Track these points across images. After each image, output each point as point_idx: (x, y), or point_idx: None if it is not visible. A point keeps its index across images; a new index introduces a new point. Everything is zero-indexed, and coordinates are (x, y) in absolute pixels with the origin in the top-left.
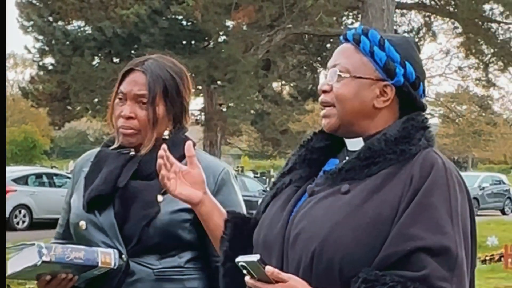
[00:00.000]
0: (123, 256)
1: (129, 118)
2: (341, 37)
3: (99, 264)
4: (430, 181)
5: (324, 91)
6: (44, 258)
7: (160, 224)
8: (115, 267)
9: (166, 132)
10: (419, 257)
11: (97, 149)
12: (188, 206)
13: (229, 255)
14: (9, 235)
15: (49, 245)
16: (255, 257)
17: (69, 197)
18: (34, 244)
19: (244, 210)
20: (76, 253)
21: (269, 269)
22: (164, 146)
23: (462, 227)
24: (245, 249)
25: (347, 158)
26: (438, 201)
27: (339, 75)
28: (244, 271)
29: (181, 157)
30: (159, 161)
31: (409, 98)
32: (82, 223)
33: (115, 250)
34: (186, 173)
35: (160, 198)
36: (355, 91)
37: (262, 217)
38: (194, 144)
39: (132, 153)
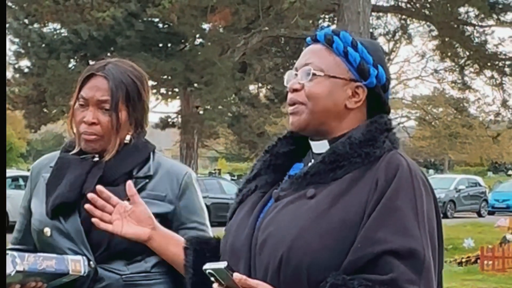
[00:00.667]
0: (91, 262)
1: (92, 124)
2: (309, 39)
3: (70, 272)
4: (395, 184)
5: (295, 90)
6: (18, 268)
7: None
8: (85, 274)
9: (128, 137)
10: (386, 260)
11: (55, 153)
12: (155, 211)
13: (196, 280)
14: None
15: (21, 254)
16: (222, 264)
17: (27, 202)
18: (7, 254)
19: (206, 213)
20: (48, 261)
21: (236, 276)
22: (100, 187)
23: (428, 229)
24: None
25: (312, 161)
26: (404, 204)
27: (314, 74)
28: (212, 279)
29: (144, 161)
30: (90, 207)
31: (379, 100)
32: (47, 230)
33: (84, 257)
34: (131, 212)
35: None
36: (329, 90)
37: (229, 223)
38: (154, 149)
39: (96, 159)
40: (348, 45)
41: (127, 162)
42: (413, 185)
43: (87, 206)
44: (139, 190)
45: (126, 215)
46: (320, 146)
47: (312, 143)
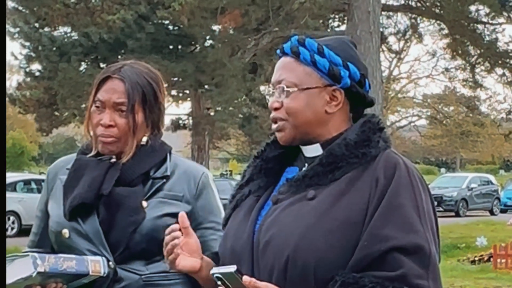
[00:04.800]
0: (110, 263)
1: (109, 126)
2: (278, 52)
3: (90, 273)
4: (395, 182)
5: (276, 108)
6: (39, 269)
7: (146, 230)
8: (104, 275)
9: (144, 138)
10: (394, 257)
11: (71, 156)
12: (172, 211)
13: None
14: None
15: (42, 255)
16: (232, 268)
17: (43, 205)
18: (27, 255)
19: (222, 213)
20: (68, 262)
21: (246, 279)
22: (175, 226)
23: (430, 225)
24: None
25: (306, 165)
26: (405, 201)
27: (288, 91)
28: (219, 283)
29: (161, 162)
30: (174, 242)
31: (358, 96)
32: (65, 231)
33: (103, 258)
34: (184, 243)
35: (144, 204)
36: (306, 103)
37: (225, 229)
38: (170, 150)
39: (113, 160)
40: (314, 53)
41: (144, 163)
42: (412, 183)
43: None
44: (157, 190)
45: (179, 247)
46: (312, 150)
47: (303, 147)
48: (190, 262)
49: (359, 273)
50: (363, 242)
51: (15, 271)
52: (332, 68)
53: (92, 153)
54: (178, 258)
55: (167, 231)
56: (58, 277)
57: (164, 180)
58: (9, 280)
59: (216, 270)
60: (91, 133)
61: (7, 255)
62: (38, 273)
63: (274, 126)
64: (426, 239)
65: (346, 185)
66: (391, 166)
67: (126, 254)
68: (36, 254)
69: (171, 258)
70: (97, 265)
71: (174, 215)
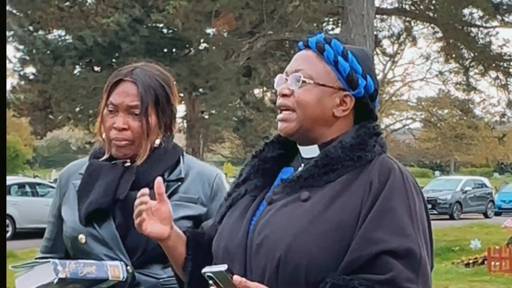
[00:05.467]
0: (128, 267)
1: (123, 129)
2: (301, 44)
3: (110, 278)
4: (389, 186)
5: (284, 95)
6: (60, 275)
7: None
8: (124, 280)
9: (157, 141)
10: (384, 260)
11: (82, 160)
12: (188, 213)
13: (194, 274)
14: None
15: (62, 261)
16: (222, 267)
17: (56, 210)
18: (48, 261)
19: None
20: (88, 268)
21: (237, 278)
22: (145, 190)
23: (422, 229)
24: (209, 264)
25: (302, 165)
26: (398, 205)
27: (304, 81)
28: (210, 282)
29: (174, 165)
30: (142, 207)
31: (366, 109)
32: (81, 237)
33: (122, 263)
34: (155, 210)
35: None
36: (318, 98)
37: (220, 227)
38: (183, 152)
39: (127, 164)
40: (338, 54)
41: (158, 166)
42: (406, 188)
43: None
44: (172, 193)
45: (150, 212)
46: (310, 151)
47: (301, 148)
48: (158, 228)
49: (350, 275)
50: (354, 245)
51: (36, 278)
52: (352, 73)
53: (105, 157)
54: (145, 222)
55: (138, 194)
56: (78, 282)
57: (179, 182)
58: (29, 287)
59: (208, 269)
60: (103, 136)
61: (25, 263)
62: (60, 279)
63: (280, 115)
64: (417, 243)
65: (341, 188)
66: (386, 171)
67: (143, 258)
68: (56, 260)
69: (138, 221)
70: (116, 270)
71: (191, 218)
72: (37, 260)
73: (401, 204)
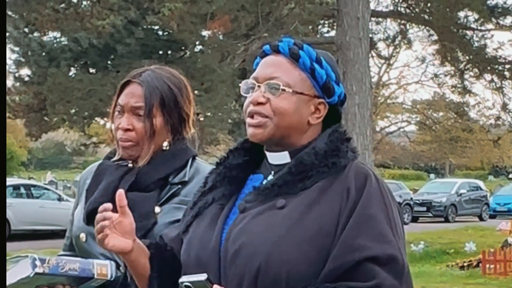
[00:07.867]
0: (120, 268)
1: (127, 130)
2: (267, 48)
3: (95, 276)
4: (366, 194)
5: (260, 103)
6: (37, 270)
7: (157, 236)
8: (112, 279)
9: (165, 144)
10: (367, 267)
11: (102, 161)
12: None
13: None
14: None
15: (43, 256)
16: (202, 276)
17: (74, 209)
18: (27, 256)
19: None
20: (71, 264)
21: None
22: (107, 205)
23: (400, 236)
24: (176, 280)
25: (272, 172)
26: (377, 212)
27: (283, 89)
28: None
29: (181, 168)
30: (104, 223)
31: (336, 114)
32: (82, 236)
33: (112, 262)
34: (117, 223)
35: (157, 209)
36: (296, 107)
37: (187, 236)
38: (195, 156)
39: (130, 165)
40: (313, 61)
41: (161, 168)
42: (382, 195)
43: (107, 210)
44: (172, 196)
45: (112, 226)
46: (279, 157)
47: (269, 154)
48: (121, 243)
49: (333, 283)
50: (336, 252)
51: (17, 272)
52: (328, 81)
53: (116, 158)
54: (107, 237)
55: (100, 208)
56: (63, 279)
57: (181, 185)
58: (11, 280)
59: (186, 279)
60: (115, 137)
61: (12, 257)
62: (37, 273)
63: (252, 120)
64: (399, 250)
65: (317, 195)
66: (362, 177)
67: None
68: (35, 255)
69: (100, 237)
70: (103, 268)
71: None
72: (21, 255)
73: (380, 211)
